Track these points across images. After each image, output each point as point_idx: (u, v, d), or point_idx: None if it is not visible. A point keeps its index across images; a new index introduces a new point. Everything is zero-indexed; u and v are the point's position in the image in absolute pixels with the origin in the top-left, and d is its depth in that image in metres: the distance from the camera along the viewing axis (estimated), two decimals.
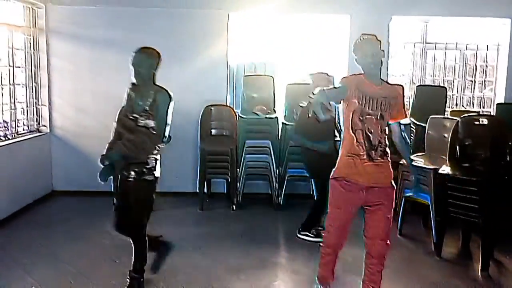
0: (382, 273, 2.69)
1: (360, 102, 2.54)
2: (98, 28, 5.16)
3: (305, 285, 3.20)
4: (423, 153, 4.38)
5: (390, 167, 2.66)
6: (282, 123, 5.02)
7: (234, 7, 5.17)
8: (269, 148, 4.95)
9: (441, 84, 5.54)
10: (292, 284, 3.41)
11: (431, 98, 5.06)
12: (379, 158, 2.58)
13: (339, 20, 5.38)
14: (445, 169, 3.75)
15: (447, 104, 5.24)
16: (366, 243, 2.68)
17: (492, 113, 5.29)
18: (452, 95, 5.63)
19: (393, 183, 2.67)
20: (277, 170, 5.00)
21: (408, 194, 4.14)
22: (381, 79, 2.64)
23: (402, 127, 2.82)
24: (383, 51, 2.59)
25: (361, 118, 2.55)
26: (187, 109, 5.18)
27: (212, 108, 5.13)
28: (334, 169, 2.66)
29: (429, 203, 3.89)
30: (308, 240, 3.98)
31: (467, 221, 3.74)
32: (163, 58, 5.11)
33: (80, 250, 3.81)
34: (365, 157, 2.56)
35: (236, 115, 5.09)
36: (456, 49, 5.64)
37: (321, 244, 2.84)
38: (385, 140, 2.62)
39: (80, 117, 5.29)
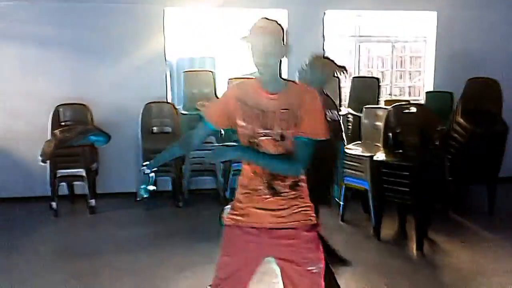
0: None
1: (248, 121, 1.82)
2: (26, 24, 4.85)
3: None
4: (360, 142, 4.59)
5: (307, 199, 1.89)
6: None
7: (169, 2, 5.08)
8: (214, 144, 4.94)
9: (375, 75, 5.82)
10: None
11: (366, 89, 5.31)
12: (288, 190, 1.84)
13: (276, 15, 5.45)
14: (380, 156, 3.95)
15: (381, 94, 5.51)
16: None
17: (422, 101, 5.64)
18: (386, 85, 5.93)
19: (312, 220, 1.87)
20: (222, 165, 5.00)
21: (348, 181, 4.32)
22: (285, 80, 1.86)
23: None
24: (286, 44, 1.82)
25: (251, 141, 1.83)
26: (126, 107, 5.05)
27: (153, 105, 5.02)
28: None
29: (367, 188, 4.09)
30: None
31: (401, 204, 3.99)
32: (98, 55, 5.00)
33: (17, 260, 3.60)
34: (266, 191, 1.83)
35: (177, 112, 5.02)
36: (387, 41, 5.95)
37: None
38: None
39: (10, 119, 4.97)
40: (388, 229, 4.16)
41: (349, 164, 4.24)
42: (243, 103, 1.84)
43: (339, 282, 2.79)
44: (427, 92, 5.55)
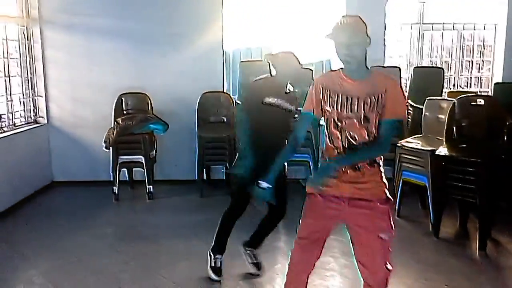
0: None
1: (334, 105, 2.06)
2: (92, 17, 5.11)
3: None
4: (421, 135, 4.39)
5: (383, 176, 2.12)
6: None
7: None
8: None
9: (439, 65, 5.51)
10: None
11: (429, 79, 5.05)
12: (368, 167, 2.07)
13: (335, 2, 5.32)
14: (442, 151, 3.76)
15: (445, 85, 5.22)
16: (360, 270, 2.18)
17: (490, 93, 5.28)
18: (450, 75, 5.61)
19: (387, 195, 2.11)
20: None
21: (406, 176, 4.16)
22: (369, 68, 2.08)
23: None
24: (369, 37, 2.02)
25: (338, 124, 2.06)
26: (184, 96, 5.19)
27: (209, 94, 5.11)
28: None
29: (426, 184, 3.91)
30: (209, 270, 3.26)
31: (464, 201, 3.78)
32: (158, 46, 5.16)
33: (81, 240, 3.84)
34: (347, 167, 2.06)
35: (233, 102, 5.08)
36: (453, 29, 5.60)
37: None
38: None
39: (77, 107, 5.29)
40: (448, 227, 3.97)
41: (408, 158, 4.09)
42: (329, 90, 2.08)
43: (394, 280, 2.67)
44: (495, 84, 5.18)
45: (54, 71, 5.22)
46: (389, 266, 2.16)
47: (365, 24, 2.02)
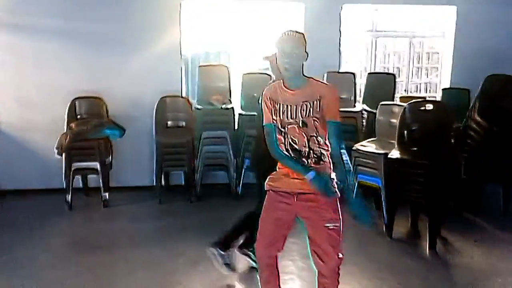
0: None
1: (278, 114, 2.31)
2: (41, 18, 4.87)
3: None
4: (374, 139, 4.55)
5: (330, 172, 2.34)
6: (239, 113, 5.03)
7: None
8: (227, 138, 4.95)
9: (391, 72, 5.74)
10: (250, 271, 3.46)
11: (381, 85, 5.24)
12: (313, 165, 2.31)
13: (293, 8, 5.41)
14: (394, 154, 3.91)
15: (397, 91, 5.44)
16: (314, 260, 2.39)
17: (438, 98, 5.55)
18: (401, 81, 5.85)
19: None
20: (235, 160, 5.01)
21: (361, 179, 4.29)
22: (306, 77, 2.31)
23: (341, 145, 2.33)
24: (307, 53, 2.27)
25: (282, 130, 2.32)
26: (141, 100, 5.09)
27: (167, 99, 5.04)
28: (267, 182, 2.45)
29: (380, 186, 4.05)
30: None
31: (415, 202, 3.95)
32: (115, 48, 5.03)
33: (32, 253, 3.67)
34: None
35: (192, 106, 5.04)
36: (404, 37, 5.85)
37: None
38: (318, 146, 2.31)
39: (27, 112, 5.04)
40: (401, 227, 4.13)
41: (363, 161, 4.22)
42: (274, 100, 2.33)
43: (350, 280, 2.76)
44: (443, 89, 5.45)
45: (1, 73, 4.96)
46: (340, 255, 2.36)
47: (305, 41, 2.29)
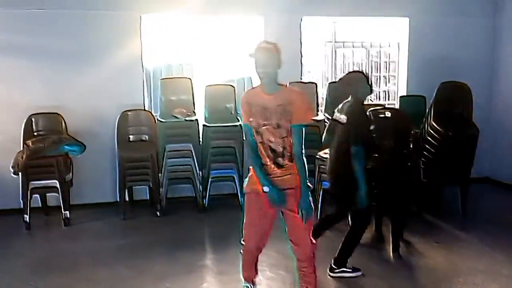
0: (316, 272, 2.72)
1: (254, 116, 2.56)
2: None
3: (232, 285, 3.23)
4: None
5: (295, 169, 2.61)
6: (203, 125, 5.00)
7: (146, 8, 5.04)
8: (191, 151, 4.91)
9: None
10: (219, 285, 3.42)
11: (342, 94, 5.35)
12: (288, 163, 2.60)
13: (253, 21, 5.49)
14: None
15: None
16: (292, 248, 2.70)
17: (396, 105, 5.75)
18: None
19: (298, 184, 2.60)
20: (200, 173, 4.98)
21: (325, 186, 4.36)
22: (280, 84, 2.57)
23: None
24: (281, 61, 2.51)
25: (258, 131, 2.58)
26: (102, 115, 4.98)
27: (129, 113, 4.96)
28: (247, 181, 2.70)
29: None
30: (345, 277, 3.43)
31: (378, 207, 4.03)
32: (73, 63, 4.91)
33: None
34: (273, 165, 2.60)
35: (154, 119, 4.98)
36: (362, 47, 6.05)
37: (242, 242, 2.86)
38: (290, 145, 2.58)
39: None
40: (366, 233, 4.19)
41: (326, 168, 4.29)
42: (251, 104, 2.59)
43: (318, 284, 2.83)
44: (401, 97, 5.66)
45: None
46: (313, 240, 2.67)
47: (279, 51, 2.52)
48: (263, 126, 2.55)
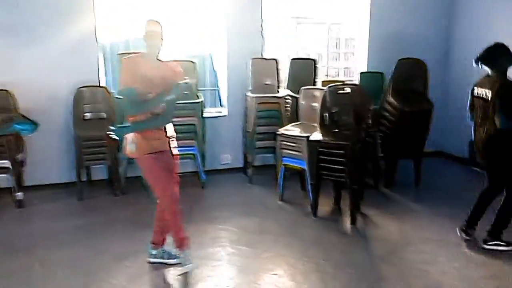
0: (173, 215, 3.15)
1: (141, 84, 2.84)
2: None
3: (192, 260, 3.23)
4: (298, 123, 4.67)
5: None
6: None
7: None
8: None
9: (312, 57, 5.90)
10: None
11: (304, 70, 5.37)
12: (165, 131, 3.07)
13: None
14: (316, 136, 4.05)
15: (318, 75, 5.61)
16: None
17: (356, 82, 5.82)
18: (323, 66, 6.05)
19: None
20: None
21: (286, 162, 4.40)
22: (159, 60, 2.98)
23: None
24: (162, 39, 2.94)
25: (143, 98, 2.87)
26: (56, 92, 4.77)
27: (85, 89, 4.77)
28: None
29: (304, 168, 4.18)
30: (501, 251, 3.37)
31: (337, 181, 4.13)
32: (22, 36, 4.63)
33: None
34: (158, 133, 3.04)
35: (112, 96, 4.81)
36: (324, 23, 6.05)
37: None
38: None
39: None
40: (325, 206, 4.31)
41: (287, 144, 4.33)
42: (137, 72, 2.88)
43: (280, 261, 2.86)
44: (361, 73, 5.73)
45: None
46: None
47: (162, 29, 2.97)
48: (149, 93, 2.88)
